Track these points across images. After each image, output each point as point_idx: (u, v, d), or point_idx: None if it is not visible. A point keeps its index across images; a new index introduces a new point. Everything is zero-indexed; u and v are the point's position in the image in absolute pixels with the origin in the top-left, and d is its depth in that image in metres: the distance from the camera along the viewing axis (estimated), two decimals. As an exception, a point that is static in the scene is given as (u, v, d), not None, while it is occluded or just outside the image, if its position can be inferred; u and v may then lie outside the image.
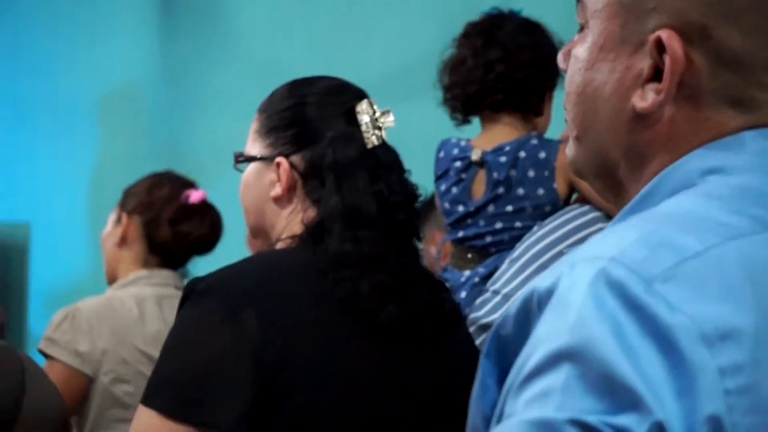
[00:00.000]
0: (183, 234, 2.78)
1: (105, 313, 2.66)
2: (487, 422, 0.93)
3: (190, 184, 2.86)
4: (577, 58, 1.05)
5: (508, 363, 0.90)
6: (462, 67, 2.38)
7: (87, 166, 4.69)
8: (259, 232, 1.85)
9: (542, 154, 2.33)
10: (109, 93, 4.64)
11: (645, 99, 1.00)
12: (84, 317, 2.64)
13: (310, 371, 1.62)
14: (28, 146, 4.78)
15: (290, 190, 1.77)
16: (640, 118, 1.01)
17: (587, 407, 0.81)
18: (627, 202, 1.02)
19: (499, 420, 0.87)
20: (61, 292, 4.47)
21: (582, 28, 1.06)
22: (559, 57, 1.08)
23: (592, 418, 0.81)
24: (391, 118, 1.78)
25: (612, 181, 1.06)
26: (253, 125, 1.83)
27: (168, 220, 2.77)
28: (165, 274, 2.78)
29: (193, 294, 1.64)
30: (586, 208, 2.26)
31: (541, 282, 0.90)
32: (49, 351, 2.61)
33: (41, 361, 2.59)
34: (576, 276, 0.88)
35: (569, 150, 1.08)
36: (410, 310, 1.69)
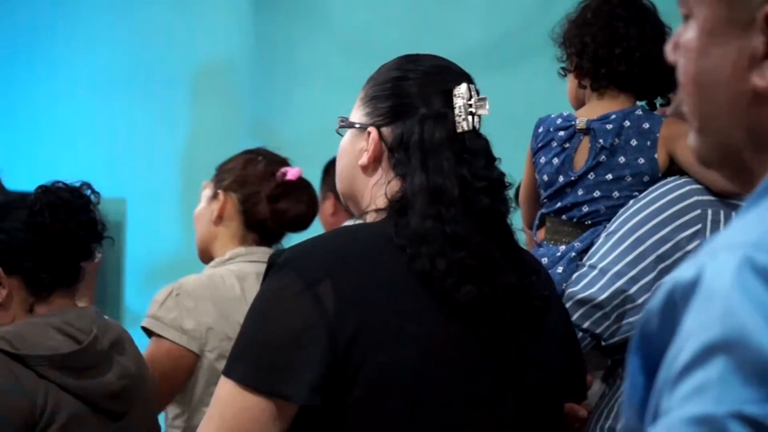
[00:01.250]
0: (281, 211, 2.77)
1: (208, 290, 2.67)
2: (641, 419, 0.92)
3: (285, 162, 2.85)
4: (687, 48, 1.02)
5: (656, 359, 0.89)
6: (589, 29, 2.37)
7: (181, 141, 4.74)
8: (348, 197, 1.86)
9: (646, 125, 2.32)
10: (203, 68, 4.68)
11: (764, 77, 0.96)
12: (188, 295, 2.65)
13: (384, 344, 1.63)
14: (125, 122, 4.83)
15: (376, 161, 1.78)
16: (762, 98, 0.97)
17: (747, 398, 0.80)
18: (756, 185, 0.99)
19: (655, 417, 0.86)
20: (156, 267, 4.52)
21: (686, 18, 1.03)
22: (668, 50, 1.05)
23: (753, 409, 0.79)
24: (486, 106, 1.77)
25: (739, 167, 1.02)
26: (360, 93, 1.85)
27: (266, 198, 2.76)
28: (263, 251, 2.77)
29: (274, 267, 1.67)
30: (683, 180, 2.23)
31: (683, 273, 0.88)
32: (156, 329, 2.62)
33: (139, 338, 2.61)
34: (719, 265, 0.86)
35: (692, 141, 1.05)
36: (489, 292, 1.68)
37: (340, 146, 1.86)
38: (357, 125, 1.82)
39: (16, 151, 4.90)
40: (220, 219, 2.79)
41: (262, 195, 2.77)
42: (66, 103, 4.94)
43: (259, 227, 2.79)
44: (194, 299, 2.64)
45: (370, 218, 1.77)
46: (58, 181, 2.31)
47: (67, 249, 2.27)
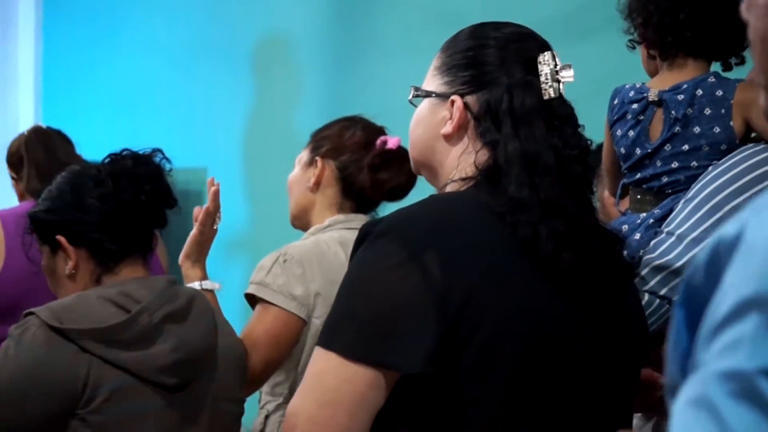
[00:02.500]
0: (381, 180, 2.77)
1: (314, 256, 2.67)
2: (683, 371, 0.92)
3: (381, 130, 2.85)
4: (758, 5, 1.00)
5: (699, 312, 0.89)
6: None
7: (260, 111, 4.73)
8: (423, 167, 1.86)
9: (719, 92, 2.29)
10: (282, 38, 4.65)
11: None
12: (296, 261, 2.64)
13: (492, 312, 1.62)
14: (205, 92, 4.84)
15: (461, 129, 1.78)
16: None
17: None
18: None
19: (693, 370, 0.86)
20: (234, 236, 4.54)
21: None
22: (743, 8, 1.04)
23: None
24: (570, 72, 1.77)
25: None
26: (434, 62, 1.84)
27: (367, 166, 2.76)
28: (361, 218, 2.77)
29: (372, 236, 1.66)
30: (761, 146, 2.21)
31: (728, 229, 0.88)
32: (263, 295, 2.61)
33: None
34: (762, 221, 0.86)
35: (762, 100, 1.05)
36: (585, 259, 1.69)
37: (416, 115, 1.85)
38: (437, 94, 1.81)
39: (98, 123, 4.96)
40: (317, 186, 2.80)
41: (363, 163, 2.77)
42: (147, 74, 4.97)
43: (358, 195, 2.80)
44: (302, 265, 2.64)
45: (453, 187, 1.77)
46: (126, 149, 2.31)
47: (134, 218, 2.26)
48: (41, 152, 3.30)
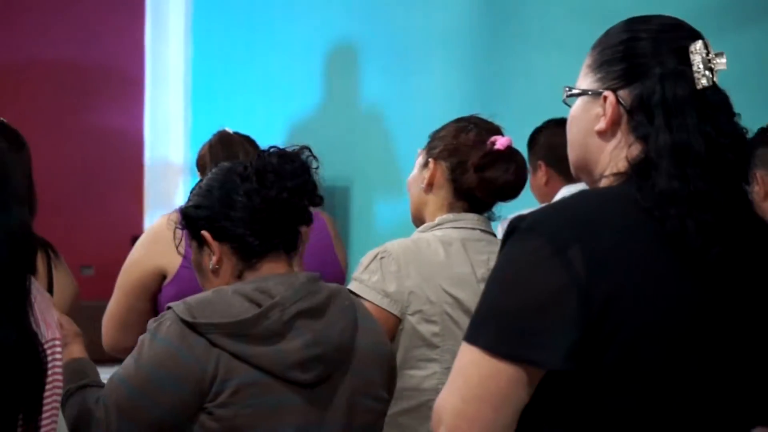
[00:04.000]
0: (488, 180, 2.74)
1: (412, 253, 2.67)
2: None
3: (497, 130, 2.84)
4: None
5: None
6: None
7: (410, 108, 4.72)
8: (581, 167, 1.83)
9: None
10: (432, 34, 4.65)
11: None
12: (392, 258, 2.66)
13: (637, 310, 1.60)
14: (357, 89, 4.85)
15: (614, 125, 1.75)
16: None
17: None
18: None
19: None
20: (380, 233, 4.55)
21: None
22: None
23: None
24: (723, 60, 1.72)
25: None
26: (586, 60, 1.82)
27: (473, 166, 2.75)
28: (471, 218, 2.76)
29: (518, 231, 1.65)
30: None
31: None
32: (358, 291, 2.63)
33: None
34: None
35: None
36: (734, 252, 1.64)
37: (570, 115, 1.83)
38: (590, 92, 1.79)
39: (247, 122, 5.02)
40: (430, 187, 2.79)
41: (470, 164, 2.75)
42: (294, 73, 5.02)
43: (468, 196, 2.77)
44: (397, 262, 2.65)
45: (605, 183, 1.75)
46: (274, 146, 2.31)
47: (278, 215, 2.26)
48: (223, 157, 3.34)
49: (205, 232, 2.27)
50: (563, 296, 1.58)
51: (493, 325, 1.61)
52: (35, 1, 5.16)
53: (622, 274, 1.61)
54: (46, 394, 1.90)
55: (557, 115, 3.56)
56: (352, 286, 2.65)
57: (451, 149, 2.78)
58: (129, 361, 2.18)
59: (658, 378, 1.63)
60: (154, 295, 3.13)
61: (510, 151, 2.76)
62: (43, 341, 1.90)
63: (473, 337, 1.62)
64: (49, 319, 1.95)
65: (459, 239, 2.70)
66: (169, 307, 2.19)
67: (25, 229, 1.89)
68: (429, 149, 2.82)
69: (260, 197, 2.24)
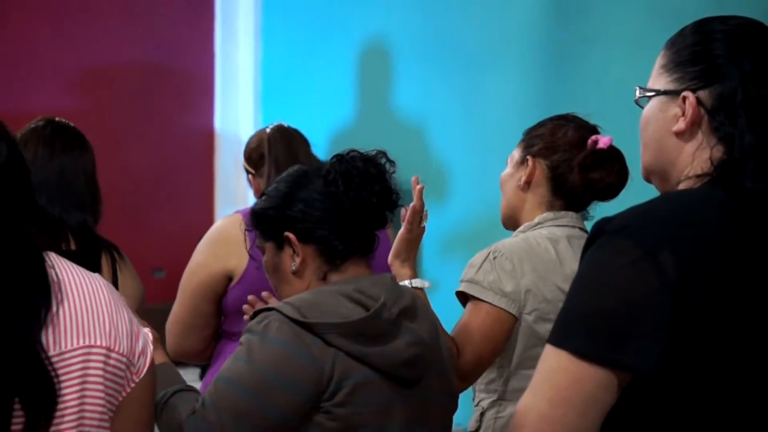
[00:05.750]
0: (593, 181, 2.74)
1: (525, 252, 2.66)
2: None
3: (594, 129, 2.82)
4: None
5: None
6: None
7: (479, 111, 4.71)
8: (655, 168, 1.81)
9: None
10: (499, 36, 4.64)
11: None
12: (506, 257, 2.64)
13: (728, 313, 1.59)
14: (422, 91, 4.86)
15: (694, 125, 1.73)
16: None
17: None
18: None
19: None
20: (453, 235, 4.54)
21: None
22: None
23: None
24: None
25: None
26: (659, 60, 1.81)
27: (578, 166, 2.74)
28: (571, 216, 2.76)
29: (605, 233, 1.64)
30: None
31: None
32: (474, 293, 2.62)
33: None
34: None
35: None
36: None
37: (644, 116, 1.82)
38: (667, 92, 1.77)
39: (316, 123, 5.02)
40: (528, 185, 2.78)
41: (574, 163, 2.74)
42: (362, 74, 5.02)
43: (568, 195, 2.77)
44: (512, 261, 2.64)
45: (687, 184, 1.73)
46: (354, 150, 2.33)
47: (361, 217, 2.29)
48: (283, 152, 3.32)
49: (290, 234, 2.29)
50: (654, 300, 1.58)
51: (581, 329, 1.61)
52: (105, 5, 5.20)
53: (712, 279, 1.59)
54: (72, 403, 1.86)
55: (626, 117, 3.54)
56: (465, 288, 2.65)
57: (551, 147, 2.77)
58: (237, 363, 2.18)
59: (749, 384, 1.61)
60: (219, 298, 3.13)
61: (613, 151, 2.75)
62: (64, 349, 1.86)
63: (560, 340, 1.62)
64: (90, 325, 1.88)
65: (564, 236, 2.70)
66: (269, 309, 2.21)
67: (15, 237, 1.86)
68: (526, 147, 2.81)
69: (347, 200, 2.26)
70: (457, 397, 2.44)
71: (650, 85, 1.81)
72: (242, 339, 2.21)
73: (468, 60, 4.71)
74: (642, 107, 1.82)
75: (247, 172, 3.41)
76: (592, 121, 2.84)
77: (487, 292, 2.61)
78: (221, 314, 3.16)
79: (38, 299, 1.82)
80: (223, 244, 3.13)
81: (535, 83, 4.47)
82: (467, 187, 4.73)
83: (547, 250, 2.67)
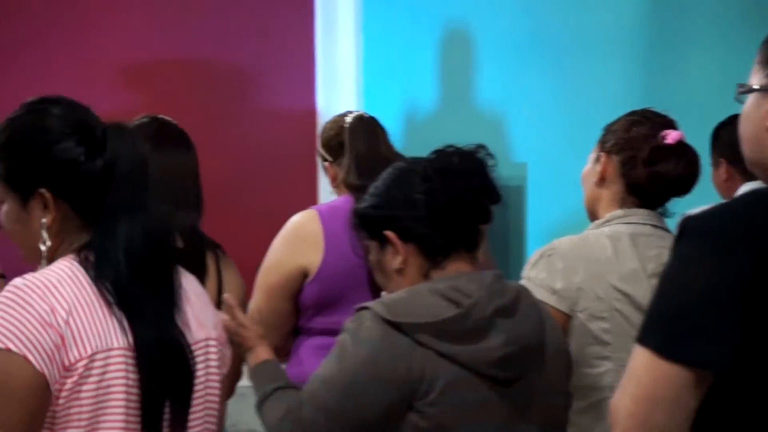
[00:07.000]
0: (658, 175, 2.72)
1: (580, 250, 2.67)
2: None
3: (670, 123, 2.78)
4: None
5: None
6: None
7: (579, 105, 4.70)
8: (754, 163, 1.80)
9: None
10: (598, 31, 4.64)
11: None
12: (559, 255, 2.66)
13: None
14: (524, 86, 4.84)
15: None
16: None
17: None
18: None
19: None
20: (557, 231, 4.50)
21: None
22: None
23: None
24: None
25: None
26: (757, 56, 1.79)
27: (643, 161, 2.71)
28: (641, 213, 2.74)
29: (687, 232, 1.64)
30: None
31: None
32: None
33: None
34: None
35: None
36: None
37: (743, 113, 1.81)
38: (761, 88, 1.76)
39: (417, 118, 5.01)
40: (602, 181, 2.78)
41: (640, 158, 2.73)
42: (459, 62, 5.00)
43: (639, 190, 2.75)
44: (564, 260, 2.64)
45: None
46: (451, 146, 2.32)
47: (461, 213, 2.27)
48: (364, 144, 3.28)
49: (390, 233, 2.29)
50: (727, 298, 1.57)
51: (662, 327, 1.61)
52: (208, 2, 5.24)
53: None
54: (198, 394, 1.91)
55: (725, 113, 3.49)
56: (521, 283, 2.62)
57: (622, 143, 2.76)
58: (331, 362, 2.20)
59: None
60: (296, 295, 3.12)
61: (680, 146, 2.72)
62: (193, 341, 1.91)
63: (644, 338, 1.63)
64: (204, 319, 1.96)
65: (628, 234, 2.67)
66: (364, 307, 2.21)
67: (164, 229, 1.90)
68: (601, 143, 2.82)
69: (444, 196, 2.25)
70: (569, 394, 2.44)
71: (749, 81, 1.79)
72: (338, 338, 2.23)
73: (560, 53, 4.70)
74: (743, 104, 1.82)
75: (324, 159, 3.38)
76: (686, 118, 2.81)
77: (538, 289, 2.62)
78: (298, 311, 3.15)
79: (174, 290, 1.89)
80: (298, 240, 3.14)
81: (629, 79, 4.48)
82: (551, 183, 4.71)
83: (603, 248, 2.66)
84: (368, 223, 2.37)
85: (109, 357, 1.81)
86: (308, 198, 5.16)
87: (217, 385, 1.98)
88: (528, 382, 2.27)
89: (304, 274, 3.12)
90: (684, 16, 4.32)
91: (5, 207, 1.97)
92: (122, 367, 1.82)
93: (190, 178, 2.95)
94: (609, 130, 2.82)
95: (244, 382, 2.68)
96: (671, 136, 2.73)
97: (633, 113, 2.83)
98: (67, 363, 1.79)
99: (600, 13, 4.59)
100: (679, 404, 1.59)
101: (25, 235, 1.94)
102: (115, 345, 1.82)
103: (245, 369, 2.55)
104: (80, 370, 1.79)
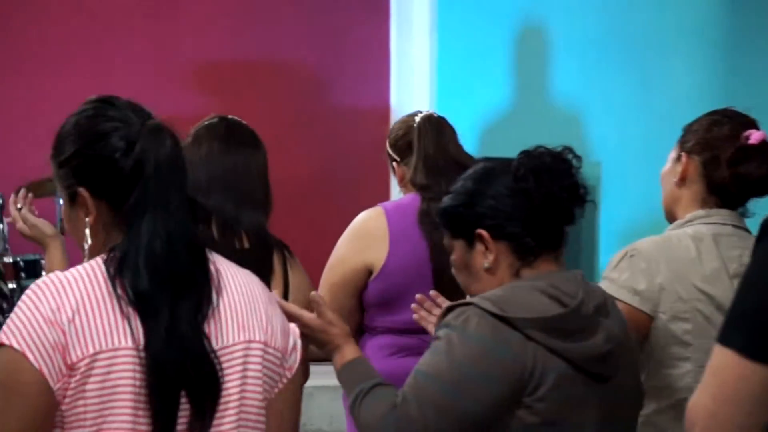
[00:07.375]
0: (742, 176, 2.69)
1: (662, 251, 2.64)
2: None
3: (752, 123, 2.75)
4: None
5: None
6: None
7: (655, 103, 4.66)
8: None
9: None
10: (674, 29, 4.61)
11: None
12: (642, 255, 2.63)
13: None
14: (599, 84, 4.82)
15: None
16: None
17: None
18: None
19: None
20: (630, 230, 4.47)
21: None
22: None
23: None
24: None
25: None
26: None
27: (726, 161, 2.68)
28: (723, 213, 2.71)
29: (765, 232, 1.62)
30: None
31: None
32: (609, 290, 2.59)
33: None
34: None
35: None
36: None
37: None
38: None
39: (492, 119, 5.00)
40: (682, 181, 2.75)
41: (723, 159, 2.70)
42: (534, 59, 4.99)
43: (721, 191, 2.72)
44: (647, 260, 2.62)
45: None
46: (541, 146, 2.32)
47: (552, 213, 2.28)
48: (432, 145, 3.29)
49: (483, 231, 2.29)
50: None
51: (744, 326, 1.59)
52: (283, 5, 5.27)
53: None
54: (231, 398, 1.86)
55: None
56: (603, 284, 2.63)
57: (703, 143, 2.73)
58: (437, 357, 2.20)
59: None
60: (360, 292, 3.12)
61: (764, 146, 2.69)
62: (224, 344, 1.87)
63: (725, 338, 1.61)
64: (249, 321, 1.88)
65: (710, 234, 2.65)
66: (467, 303, 2.21)
67: (188, 229, 1.87)
68: (682, 143, 2.78)
69: (539, 196, 2.25)
70: (643, 394, 2.44)
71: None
72: (440, 333, 2.23)
73: (637, 51, 4.68)
74: None
75: (391, 159, 3.38)
76: (766, 118, 2.77)
77: (620, 290, 2.61)
78: (363, 309, 3.15)
79: (200, 292, 1.84)
80: (363, 237, 3.14)
81: (707, 77, 4.41)
82: (626, 183, 4.69)
83: (687, 249, 2.64)
84: (456, 222, 2.36)
85: (114, 357, 1.78)
86: (381, 197, 5.15)
87: (258, 389, 1.90)
88: (619, 380, 2.29)
89: (369, 271, 3.12)
90: (765, 13, 4.27)
91: (62, 206, 1.98)
92: (129, 367, 1.79)
93: (259, 178, 2.95)
94: (689, 129, 2.79)
95: (311, 382, 2.67)
96: (754, 137, 2.70)
97: (714, 113, 2.80)
98: (69, 361, 1.77)
99: (678, 10, 4.55)
100: (761, 405, 1.58)
101: (76, 235, 1.94)
102: (123, 345, 1.79)
103: (331, 369, 2.49)
104: (83, 369, 1.77)
